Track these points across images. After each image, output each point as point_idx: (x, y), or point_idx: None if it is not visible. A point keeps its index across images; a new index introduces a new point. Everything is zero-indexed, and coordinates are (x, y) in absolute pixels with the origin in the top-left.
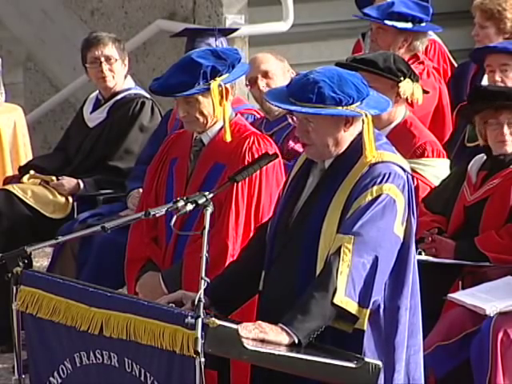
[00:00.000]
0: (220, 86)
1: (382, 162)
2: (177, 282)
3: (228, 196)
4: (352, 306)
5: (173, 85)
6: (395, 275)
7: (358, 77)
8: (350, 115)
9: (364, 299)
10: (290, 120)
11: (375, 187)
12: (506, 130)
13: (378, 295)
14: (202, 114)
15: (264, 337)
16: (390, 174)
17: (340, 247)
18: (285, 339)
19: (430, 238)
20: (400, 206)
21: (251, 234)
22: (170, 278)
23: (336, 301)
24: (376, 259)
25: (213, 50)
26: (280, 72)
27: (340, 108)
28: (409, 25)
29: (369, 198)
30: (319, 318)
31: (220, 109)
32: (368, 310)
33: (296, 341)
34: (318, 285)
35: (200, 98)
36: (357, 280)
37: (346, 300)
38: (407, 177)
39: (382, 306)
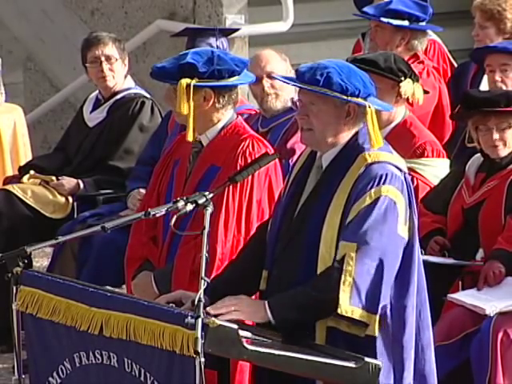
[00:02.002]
0: (188, 86)
1: (378, 162)
2: (167, 282)
3: (219, 199)
4: (358, 313)
5: (157, 68)
6: (401, 275)
7: (367, 76)
8: (354, 103)
9: (372, 305)
10: (294, 107)
11: (373, 189)
12: (495, 135)
13: (386, 299)
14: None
15: (240, 314)
16: (386, 174)
17: (344, 256)
18: (262, 317)
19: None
20: (401, 207)
21: (240, 238)
22: (160, 278)
23: (340, 311)
24: (381, 264)
25: (213, 52)
26: (284, 73)
27: (345, 96)
28: (405, 23)
29: (368, 201)
30: (302, 312)
31: (184, 109)
32: (377, 316)
33: (272, 321)
34: (315, 285)
35: None
36: (362, 287)
37: (351, 309)
38: (405, 176)
39: (388, 305)
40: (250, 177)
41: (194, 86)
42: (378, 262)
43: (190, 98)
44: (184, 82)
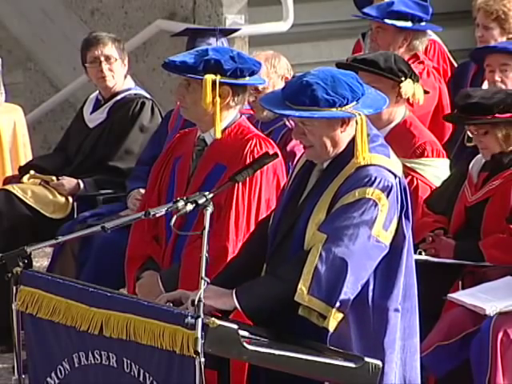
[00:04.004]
0: (214, 82)
1: (371, 164)
2: (174, 282)
3: (228, 198)
4: (315, 304)
5: (175, 61)
6: (384, 277)
7: (353, 76)
8: (343, 117)
9: (330, 297)
10: (287, 123)
11: (358, 189)
12: (476, 140)
13: (349, 295)
14: (195, 104)
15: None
16: (376, 177)
17: (313, 246)
18: (228, 304)
19: (430, 239)
20: (382, 211)
21: None
22: (167, 278)
23: (297, 298)
24: (346, 261)
25: (233, 50)
26: (266, 79)
27: (334, 110)
28: (408, 24)
29: (350, 199)
30: (267, 301)
31: (209, 105)
32: (334, 310)
33: (239, 308)
34: (280, 274)
35: (199, 87)
36: (323, 279)
37: (308, 298)
38: (398, 181)
39: (370, 305)
40: (258, 176)
41: (219, 82)
42: (344, 258)
43: (216, 94)
44: (209, 77)
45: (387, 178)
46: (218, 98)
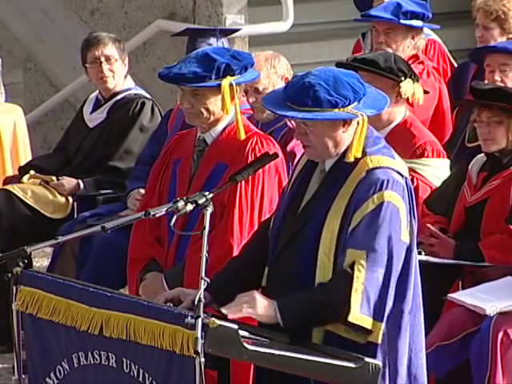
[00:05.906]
0: (231, 84)
1: (380, 167)
2: (179, 282)
3: (231, 197)
4: (367, 322)
5: (184, 74)
6: (400, 280)
7: (355, 76)
8: (346, 118)
9: (379, 313)
10: (288, 123)
11: (376, 195)
12: (485, 129)
13: (390, 306)
14: (206, 109)
15: (252, 312)
16: (388, 180)
17: (353, 263)
18: (271, 319)
19: (430, 233)
20: (402, 213)
21: None
22: (172, 278)
23: (351, 319)
24: (388, 271)
25: (228, 50)
26: (266, 79)
27: (336, 110)
28: (419, 23)
29: (371, 206)
30: (311, 318)
31: (231, 107)
32: (383, 324)
33: (281, 324)
34: (327, 291)
35: (208, 92)
36: (372, 296)
37: (361, 317)
38: (406, 182)
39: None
40: (261, 174)
41: (234, 84)
42: (386, 270)
43: (234, 97)
44: (227, 82)
45: (397, 179)
46: (236, 100)
